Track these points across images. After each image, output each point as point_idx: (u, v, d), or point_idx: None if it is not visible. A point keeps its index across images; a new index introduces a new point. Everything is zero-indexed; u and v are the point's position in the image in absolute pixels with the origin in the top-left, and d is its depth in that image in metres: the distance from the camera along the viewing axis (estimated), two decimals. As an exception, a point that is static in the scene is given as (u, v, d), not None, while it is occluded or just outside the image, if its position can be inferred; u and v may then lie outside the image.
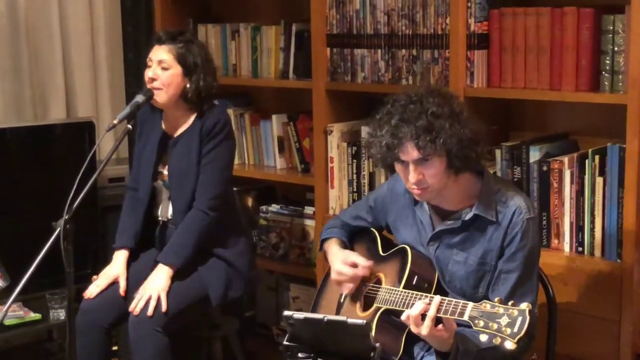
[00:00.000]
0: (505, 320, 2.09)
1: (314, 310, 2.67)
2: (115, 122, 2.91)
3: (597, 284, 2.79)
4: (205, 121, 3.10)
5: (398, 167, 2.39)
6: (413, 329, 2.24)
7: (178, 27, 4.02)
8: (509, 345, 2.06)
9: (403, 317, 2.26)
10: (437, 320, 2.23)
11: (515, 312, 2.09)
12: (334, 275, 2.63)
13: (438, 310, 2.22)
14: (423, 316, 2.23)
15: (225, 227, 3.17)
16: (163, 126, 3.21)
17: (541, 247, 2.54)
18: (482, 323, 2.12)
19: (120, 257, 3.19)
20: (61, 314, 3.51)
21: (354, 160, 3.44)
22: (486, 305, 2.14)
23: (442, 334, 2.23)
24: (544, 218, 2.90)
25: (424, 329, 2.21)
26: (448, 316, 2.20)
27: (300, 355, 2.30)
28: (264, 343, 3.96)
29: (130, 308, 2.99)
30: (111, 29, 4.35)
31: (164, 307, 2.97)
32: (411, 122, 2.29)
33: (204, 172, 3.10)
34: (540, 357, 2.60)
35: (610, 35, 2.75)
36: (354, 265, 2.59)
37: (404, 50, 3.23)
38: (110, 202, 3.89)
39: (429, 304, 2.22)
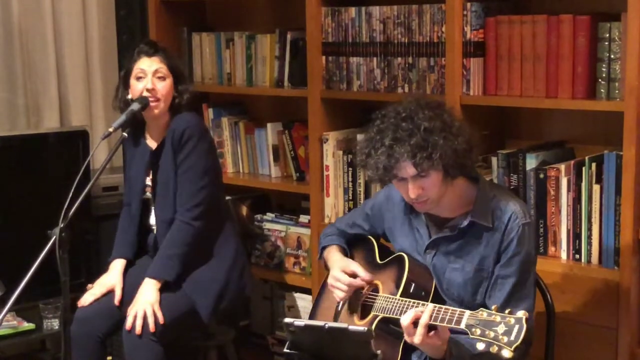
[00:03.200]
0: (502, 329, 2.08)
1: (311, 318, 2.66)
2: (110, 130, 2.91)
3: (595, 291, 2.78)
4: (175, 130, 3.07)
5: (396, 184, 2.40)
6: (406, 337, 2.24)
7: (172, 36, 4.05)
8: (506, 353, 2.05)
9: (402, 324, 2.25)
10: (432, 328, 2.22)
11: (512, 321, 2.08)
12: (330, 280, 2.62)
13: (434, 319, 2.21)
14: (416, 324, 2.21)
15: (213, 235, 3.15)
16: (147, 141, 3.20)
17: (537, 253, 2.53)
18: (478, 331, 2.11)
19: (116, 266, 3.17)
20: (55, 324, 3.48)
21: (350, 169, 3.43)
22: (483, 314, 2.13)
23: (434, 342, 2.22)
24: (541, 226, 2.90)
25: (417, 337, 2.21)
26: (445, 324, 2.19)
27: (300, 362, 2.30)
28: (259, 352, 3.94)
29: (127, 326, 2.94)
30: (105, 38, 4.34)
31: (160, 320, 2.95)
32: (405, 141, 2.29)
33: (181, 182, 3.08)
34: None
35: (607, 43, 2.75)
36: (353, 275, 2.58)
37: (399, 59, 3.22)
38: (104, 211, 3.87)
39: (422, 311, 2.21)
